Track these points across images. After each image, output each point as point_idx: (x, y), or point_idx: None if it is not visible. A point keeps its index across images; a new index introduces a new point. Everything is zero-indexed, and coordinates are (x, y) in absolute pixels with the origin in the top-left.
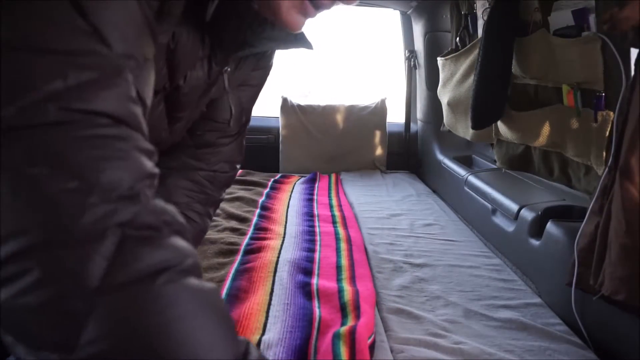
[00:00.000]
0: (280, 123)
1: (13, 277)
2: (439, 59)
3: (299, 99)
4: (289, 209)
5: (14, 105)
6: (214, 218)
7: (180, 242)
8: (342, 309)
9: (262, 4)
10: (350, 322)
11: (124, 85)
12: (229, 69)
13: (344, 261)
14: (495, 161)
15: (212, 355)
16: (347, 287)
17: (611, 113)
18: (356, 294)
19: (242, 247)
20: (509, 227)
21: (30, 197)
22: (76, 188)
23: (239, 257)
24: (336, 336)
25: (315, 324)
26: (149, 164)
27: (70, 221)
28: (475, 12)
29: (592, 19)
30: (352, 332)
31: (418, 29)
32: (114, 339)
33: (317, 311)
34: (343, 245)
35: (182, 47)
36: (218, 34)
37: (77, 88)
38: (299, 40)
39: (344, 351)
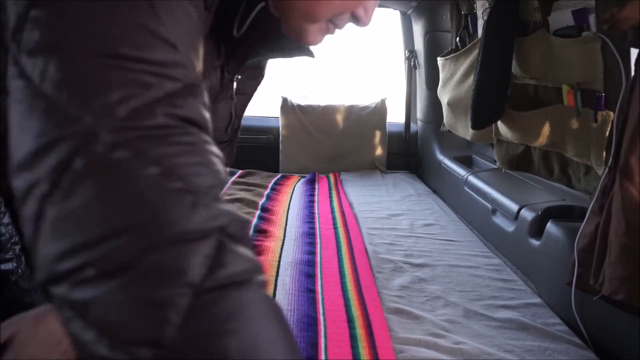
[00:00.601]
0: (280, 123)
1: (116, 271)
2: (439, 59)
3: (299, 99)
4: (290, 211)
5: (125, 107)
6: None
7: (254, 255)
8: (350, 320)
9: (289, 28)
10: (360, 333)
11: (202, 94)
12: (239, 77)
13: (346, 264)
14: (495, 161)
15: None
16: (353, 296)
17: (611, 113)
18: (362, 301)
19: None
20: (509, 227)
21: (140, 194)
22: (182, 189)
23: None
24: (354, 344)
25: (322, 333)
26: (224, 171)
27: (179, 220)
28: (475, 12)
29: (592, 19)
30: (371, 339)
31: (418, 29)
32: (211, 338)
33: (321, 319)
34: (344, 248)
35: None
36: (235, 45)
37: (172, 96)
38: (302, 49)
39: (364, 353)
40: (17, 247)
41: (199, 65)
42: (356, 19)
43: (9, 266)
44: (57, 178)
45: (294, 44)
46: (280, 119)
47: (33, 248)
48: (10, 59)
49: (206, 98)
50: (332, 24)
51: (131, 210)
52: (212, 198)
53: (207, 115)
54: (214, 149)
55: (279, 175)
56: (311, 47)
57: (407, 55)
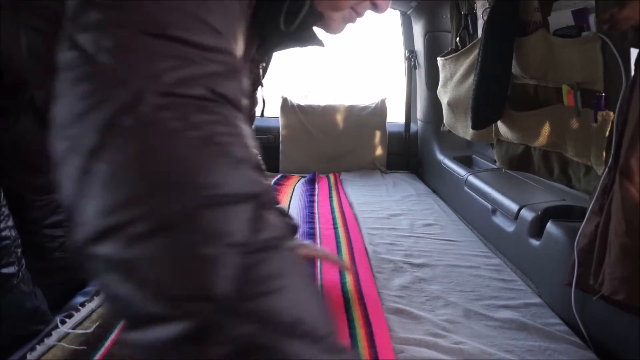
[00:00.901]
0: (280, 123)
1: (165, 227)
2: (439, 59)
3: (299, 99)
4: (289, 211)
5: (171, 75)
6: None
7: (282, 223)
8: (350, 320)
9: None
10: (360, 333)
11: (241, 80)
12: (264, 64)
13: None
14: (495, 161)
15: (321, 325)
16: (353, 296)
17: (611, 113)
18: (362, 301)
19: None
20: (509, 227)
21: (184, 154)
22: (221, 153)
23: None
24: (354, 344)
25: None
26: (254, 146)
27: (221, 182)
28: (475, 12)
29: (592, 19)
30: (371, 339)
31: (418, 29)
32: (265, 294)
33: None
34: (344, 248)
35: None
36: (268, 36)
37: (212, 75)
38: (315, 39)
39: (364, 353)
40: (19, 250)
41: (240, 53)
42: (375, 6)
43: (10, 270)
44: (104, 134)
45: (308, 34)
46: (280, 119)
47: (75, 206)
48: (65, 37)
49: (245, 85)
50: (354, 11)
51: (176, 168)
52: (247, 166)
53: (244, 100)
54: (245, 127)
55: (279, 175)
56: (320, 38)
57: (407, 55)
